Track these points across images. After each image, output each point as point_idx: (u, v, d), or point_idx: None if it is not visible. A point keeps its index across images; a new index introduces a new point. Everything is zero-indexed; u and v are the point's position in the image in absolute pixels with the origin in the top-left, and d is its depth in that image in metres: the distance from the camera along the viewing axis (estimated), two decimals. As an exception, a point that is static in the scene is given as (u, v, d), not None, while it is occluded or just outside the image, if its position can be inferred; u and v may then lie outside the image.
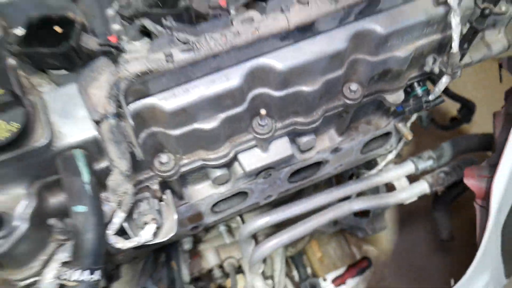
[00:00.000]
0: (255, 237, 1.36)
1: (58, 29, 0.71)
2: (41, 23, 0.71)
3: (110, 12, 0.76)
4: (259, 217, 1.17)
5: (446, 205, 1.46)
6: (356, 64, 0.83)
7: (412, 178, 1.28)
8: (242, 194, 1.02)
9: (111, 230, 0.68)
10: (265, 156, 0.90)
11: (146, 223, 0.71)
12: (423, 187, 1.25)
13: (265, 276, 1.52)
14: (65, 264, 0.67)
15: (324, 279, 1.89)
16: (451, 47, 0.81)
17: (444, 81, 0.84)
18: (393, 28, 0.77)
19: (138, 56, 0.68)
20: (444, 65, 0.83)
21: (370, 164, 1.32)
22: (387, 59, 0.83)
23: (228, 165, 0.89)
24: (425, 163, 1.26)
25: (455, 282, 1.74)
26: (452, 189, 1.34)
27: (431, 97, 0.90)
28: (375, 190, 1.38)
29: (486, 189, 0.90)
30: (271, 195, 1.08)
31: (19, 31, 0.74)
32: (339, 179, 1.49)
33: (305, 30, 0.72)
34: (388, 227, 1.92)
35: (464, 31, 0.84)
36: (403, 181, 1.28)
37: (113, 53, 0.72)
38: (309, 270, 1.86)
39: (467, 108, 1.43)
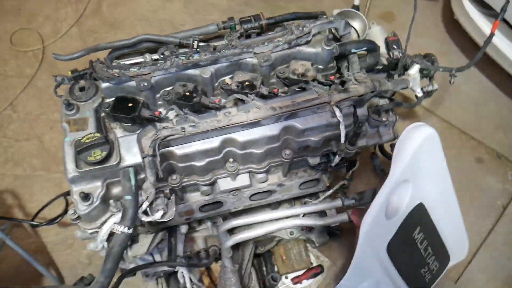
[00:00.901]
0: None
1: (130, 104, 1.38)
2: (121, 99, 1.39)
3: (157, 96, 1.44)
4: (231, 220, 1.81)
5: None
6: (288, 140, 1.47)
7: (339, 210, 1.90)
8: (220, 202, 1.67)
9: (140, 210, 1.34)
10: (233, 182, 1.56)
11: (158, 210, 1.37)
12: (344, 217, 1.87)
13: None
14: (116, 223, 1.33)
15: (286, 277, 2.50)
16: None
17: (337, 158, 1.48)
18: (306, 126, 1.41)
19: (168, 126, 1.35)
20: (337, 148, 1.46)
21: (315, 195, 1.94)
22: (306, 140, 1.46)
23: (211, 184, 1.55)
24: (349, 201, 1.87)
25: None
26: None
27: (332, 164, 1.53)
28: (321, 213, 2.01)
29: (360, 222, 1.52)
30: (238, 206, 1.73)
31: (108, 101, 1.43)
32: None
33: (255, 123, 1.37)
34: (340, 244, 2.53)
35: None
36: (333, 211, 1.89)
37: (156, 120, 1.39)
38: (276, 268, 2.47)
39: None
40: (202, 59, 1.40)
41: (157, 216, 1.36)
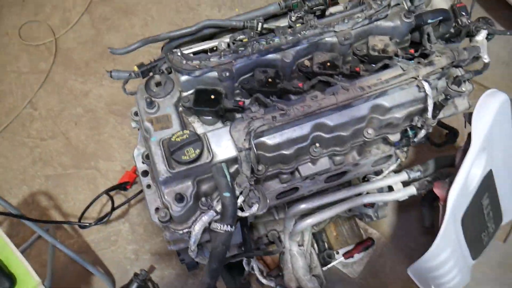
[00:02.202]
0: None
1: (212, 96, 1.32)
2: (202, 92, 1.33)
3: (235, 84, 1.37)
4: (299, 204, 1.78)
5: (429, 201, 2.06)
6: (372, 119, 1.43)
7: (405, 183, 1.89)
8: (295, 188, 1.63)
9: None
10: (314, 167, 1.52)
11: (253, 203, 1.32)
12: (412, 190, 1.85)
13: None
14: (215, 221, 1.29)
15: (337, 252, 2.51)
16: (427, 111, 1.40)
17: (422, 133, 1.44)
18: (393, 103, 1.37)
19: (256, 116, 1.29)
20: (423, 122, 1.43)
21: (378, 172, 1.92)
22: (390, 118, 1.42)
23: (293, 171, 1.51)
24: (414, 174, 1.85)
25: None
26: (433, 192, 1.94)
27: (415, 139, 1.50)
28: (379, 189, 1.99)
29: (445, 195, 1.50)
30: (312, 190, 1.70)
31: (186, 94, 1.36)
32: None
33: (345, 106, 1.32)
34: (389, 215, 2.54)
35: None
36: (399, 185, 1.88)
37: (240, 110, 1.33)
38: (326, 245, 2.47)
39: (453, 134, 2.03)
40: (283, 42, 1.33)
41: (253, 210, 1.31)
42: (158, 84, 1.34)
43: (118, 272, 2.61)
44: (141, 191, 2.71)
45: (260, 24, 1.46)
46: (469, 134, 1.56)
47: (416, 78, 1.35)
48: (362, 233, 2.54)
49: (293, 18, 1.51)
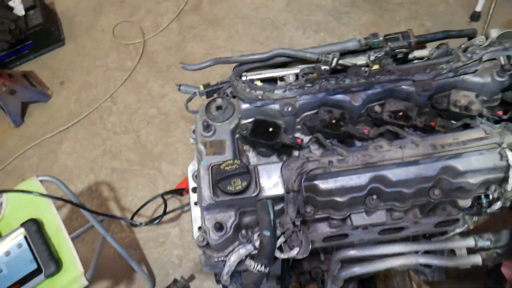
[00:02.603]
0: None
1: (270, 129, 1.27)
2: (261, 123, 1.28)
3: (297, 120, 1.32)
4: (348, 250, 1.67)
5: (496, 277, 1.83)
6: (441, 180, 1.29)
7: (471, 250, 1.70)
8: (345, 235, 1.53)
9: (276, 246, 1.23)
10: (368, 218, 1.41)
11: (293, 246, 1.25)
12: (477, 260, 1.66)
13: (340, 289, 2.02)
14: (251, 257, 1.23)
15: (385, 305, 2.33)
16: (507, 183, 1.24)
17: (498, 204, 1.28)
18: (468, 168, 1.23)
19: (312, 157, 1.22)
20: (500, 194, 1.27)
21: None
22: (462, 182, 1.28)
23: (344, 219, 1.41)
24: (483, 242, 1.66)
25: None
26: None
27: (488, 210, 1.33)
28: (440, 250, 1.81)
29: (514, 280, 1.32)
30: (363, 239, 1.58)
31: (245, 122, 1.33)
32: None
33: (411, 162, 1.20)
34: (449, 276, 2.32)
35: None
36: (463, 250, 1.69)
37: (297, 147, 1.27)
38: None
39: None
40: (354, 84, 1.25)
41: (293, 253, 1.24)
42: (218, 107, 1.32)
43: (160, 274, 2.65)
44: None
45: (335, 59, 1.40)
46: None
47: (499, 145, 1.20)
48: (414, 287, 2.34)
49: (372, 58, 1.43)
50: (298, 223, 1.25)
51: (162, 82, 3.15)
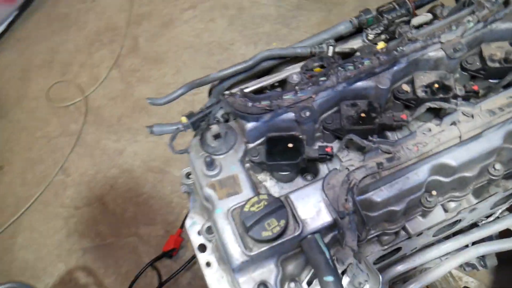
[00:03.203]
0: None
1: (290, 145, 0.99)
2: (276, 140, 1.00)
3: (316, 126, 1.05)
4: (396, 266, 1.40)
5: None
6: (502, 150, 1.06)
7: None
8: (397, 249, 1.26)
9: (340, 291, 0.94)
10: (425, 221, 1.15)
11: (360, 284, 0.96)
12: (539, 234, 1.44)
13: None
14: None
15: (427, 309, 2.07)
16: None
17: None
18: (535, 126, 1.01)
19: (353, 165, 0.96)
20: None
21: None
22: (526, 146, 1.06)
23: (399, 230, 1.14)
24: (538, 213, 1.45)
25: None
26: None
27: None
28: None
29: None
30: (416, 247, 1.32)
31: (254, 145, 1.04)
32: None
33: (473, 138, 0.96)
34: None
35: None
36: (519, 228, 1.47)
37: (328, 159, 1.00)
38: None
39: None
40: (375, 64, 1.00)
41: (359, 294, 0.95)
42: (216, 136, 1.03)
43: None
44: (191, 259, 2.38)
45: (331, 48, 1.16)
46: None
47: (561, 92, 0.99)
48: (459, 284, 2.10)
49: (371, 36, 1.20)
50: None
51: (116, 137, 2.80)
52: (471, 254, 1.42)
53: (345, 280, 0.94)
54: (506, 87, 1.03)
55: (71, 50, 3.11)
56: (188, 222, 1.28)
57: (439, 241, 1.42)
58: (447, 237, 1.44)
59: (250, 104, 0.98)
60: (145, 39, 3.08)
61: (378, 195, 0.95)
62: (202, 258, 1.22)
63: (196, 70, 2.88)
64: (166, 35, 3.06)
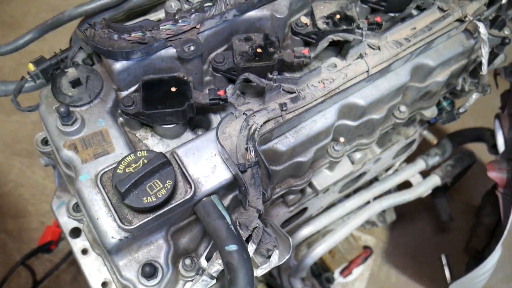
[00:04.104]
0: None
1: (173, 89, 0.79)
2: (155, 84, 0.79)
3: (205, 67, 0.86)
4: (302, 228, 1.30)
5: (445, 191, 1.67)
6: (407, 90, 0.98)
7: (423, 173, 1.48)
8: (303, 210, 1.14)
9: (246, 261, 0.77)
10: (332, 175, 1.04)
11: (269, 250, 0.81)
12: (435, 180, 1.45)
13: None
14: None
15: (332, 273, 2.05)
16: (479, 69, 0.99)
17: (474, 97, 1.03)
18: (440, 60, 0.94)
19: (251, 108, 0.79)
20: (474, 84, 1.01)
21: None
22: (430, 84, 0.99)
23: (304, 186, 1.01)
24: (433, 159, 1.46)
25: (446, 258, 1.98)
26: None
27: (461, 110, 1.08)
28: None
29: (508, 179, 1.10)
30: (322, 206, 1.22)
31: (128, 93, 0.82)
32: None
33: (382, 71, 0.86)
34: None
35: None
36: (417, 177, 1.46)
37: (220, 104, 0.82)
38: (320, 268, 2.00)
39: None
40: (269, -13, 0.84)
41: (273, 261, 0.80)
42: (75, 83, 0.78)
43: None
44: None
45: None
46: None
47: (463, 20, 0.93)
48: (359, 244, 2.11)
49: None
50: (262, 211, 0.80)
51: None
52: (375, 209, 1.37)
53: (251, 248, 0.78)
54: (407, 18, 0.94)
55: None
56: (55, 203, 1.03)
57: (342, 199, 1.35)
58: (349, 195, 1.37)
59: (115, 36, 0.75)
60: (-4, 1, 2.58)
61: (283, 143, 0.80)
62: (76, 245, 0.99)
63: (66, 36, 2.47)
64: (22, -3, 2.59)
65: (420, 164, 1.45)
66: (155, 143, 0.84)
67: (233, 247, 0.72)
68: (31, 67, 0.87)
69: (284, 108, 0.77)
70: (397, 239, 2.18)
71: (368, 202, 1.41)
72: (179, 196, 0.72)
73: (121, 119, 0.82)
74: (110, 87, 0.79)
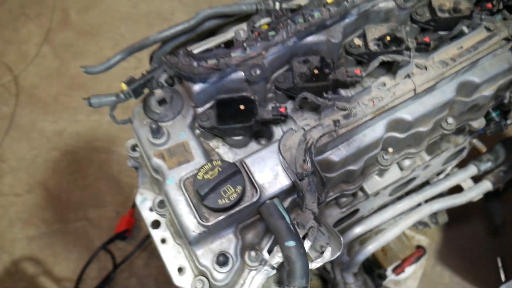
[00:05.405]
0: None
1: (242, 107, 0.93)
2: (226, 103, 0.94)
3: (268, 86, 0.99)
4: (354, 227, 1.40)
5: (498, 196, 1.70)
6: (454, 104, 1.06)
7: (475, 178, 1.52)
8: (355, 211, 1.25)
9: (302, 255, 0.90)
10: (381, 180, 1.14)
11: (322, 247, 0.93)
12: (487, 185, 1.49)
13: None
14: (278, 283, 0.89)
15: (385, 270, 2.12)
16: (526, 84, 1.04)
17: (520, 111, 1.08)
18: (485, 77, 1.00)
19: (309, 124, 0.91)
20: (521, 97, 1.07)
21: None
22: (477, 98, 1.06)
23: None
24: (485, 165, 1.50)
25: (502, 261, 1.99)
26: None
27: (508, 122, 1.14)
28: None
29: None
30: (373, 207, 1.31)
31: (203, 110, 0.97)
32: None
33: (428, 90, 0.94)
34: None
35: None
36: (469, 182, 1.51)
37: (282, 119, 0.95)
38: (373, 265, 2.08)
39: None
40: (326, 16, 0.95)
41: (326, 257, 0.92)
42: (162, 102, 0.94)
43: None
44: (146, 238, 2.29)
45: (277, 3, 1.09)
46: None
47: (510, 39, 0.99)
48: (411, 243, 2.17)
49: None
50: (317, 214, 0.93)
51: (54, 118, 2.61)
52: (426, 211, 1.44)
53: (307, 244, 0.90)
54: (455, 37, 1.02)
55: (-7, 25, 2.84)
56: (138, 199, 1.20)
57: (394, 201, 1.43)
58: (400, 198, 1.45)
59: (195, 63, 0.90)
60: (76, 11, 2.86)
61: (336, 155, 0.91)
62: (156, 235, 1.15)
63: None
64: (99, 6, 2.84)
65: (472, 169, 1.49)
66: (225, 152, 0.99)
67: (291, 243, 0.85)
68: (124, 86, 1.04)
69: (338, 124, 0.89)
70: (451, 240, 2.21)
71: (419, 204, 1.49)
72: (247, 198, 0.85)
73: (197, 131, 0.98)
74: (189, 105, 0.95)
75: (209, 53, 0.93)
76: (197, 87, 0.92)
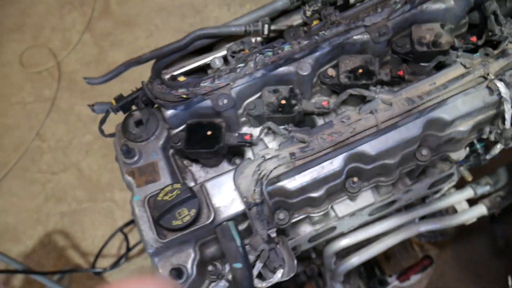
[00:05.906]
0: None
1: (209, 132, 0.99)
2: (196, 127, 1.01)
3: (239, 112, 1.05)
4: (339, 240, 1.44)
5: (503, 218, 1.65)
6: (426, 137, 1.06)
7: (472, 201, 1.50)
8: (332, 228, 1.29)
9: (254, 276, 0.97)
10: (353, 204, 1.17)
11: (275, 268, 0.99)
12: (481, 210, 1.47)
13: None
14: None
15: (390, 276, 2.14)
16: (504, 123, 1.02)
17: (498, 147, 1.06)
18: (457, 115, 1.00)
19: (269, 153, 0.96)
20: (498, 135, 1.05)
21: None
22: (452, 132, 1.05)
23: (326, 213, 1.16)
24: (482, 189, 1.47)
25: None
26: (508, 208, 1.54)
27: (488, 157, 1.12)
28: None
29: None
30: (353, 225, 1.35)
31: (177, 132, 1.04)
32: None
33: (390, 127, 0.96)
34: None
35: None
36: (464, 204, 1.49)
37: (247, 145, 1.00)
38: (376, 270, 2.11)
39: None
40: (296, 49, 0.98)
41: (277, 277, 0.98)
42: (138, 122, 1.03)
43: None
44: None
45: (266, 26, 1.12)
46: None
47: (486, 78, 0.98)
48: (418, 252, 2.16)
49: (308, 13, 1.16)
50: (274, 235, 0.99)
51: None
52: (413, 231, 1.45)
53: (258, 265, 0.97)
54: (431, 72, 1.01)
55: (42, 12, 3.04)
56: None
57: (381, 218, 1.45)
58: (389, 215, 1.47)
59: (167, 91, 0.98)
60: (116, 1, 3.00)
61: (291, 184, 0.96)
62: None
63: (169, 34, 2.83)
64: (137, -2, 2.98)
65: (468, 192, 1.47)
66: (197, 170, 1.07)
67: (238, 265, 0.92)
68: (114, 102, 1.14)
69: (293, 157, 0.93)
70: (460, 252, 2.18)
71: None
72: (203, 220, 0.93)
73: (172, 150, 1.06)
74: (163, 127, 1.03)
75: (181, 82, 1.00)
76: (169, 113, 1.00)
